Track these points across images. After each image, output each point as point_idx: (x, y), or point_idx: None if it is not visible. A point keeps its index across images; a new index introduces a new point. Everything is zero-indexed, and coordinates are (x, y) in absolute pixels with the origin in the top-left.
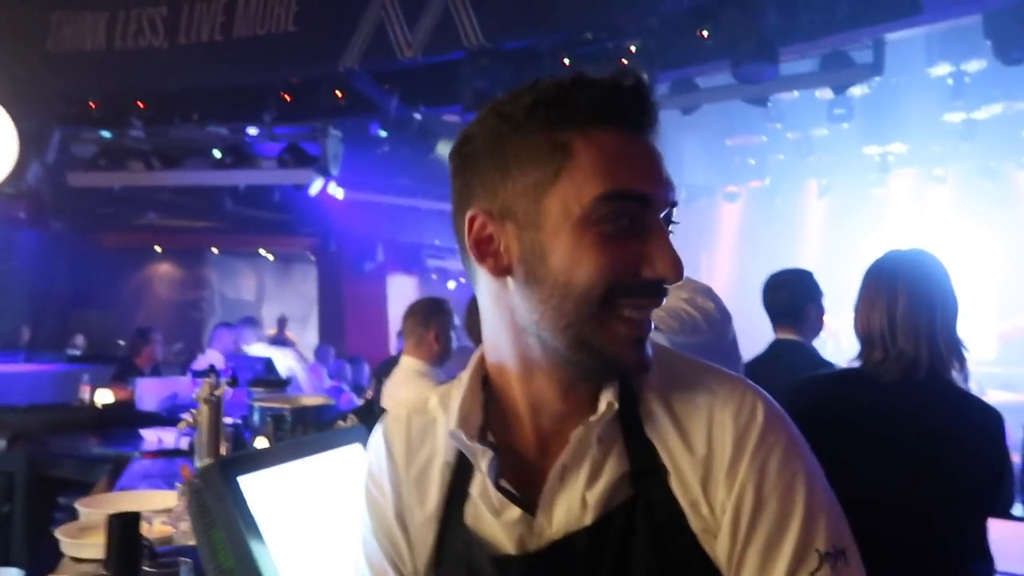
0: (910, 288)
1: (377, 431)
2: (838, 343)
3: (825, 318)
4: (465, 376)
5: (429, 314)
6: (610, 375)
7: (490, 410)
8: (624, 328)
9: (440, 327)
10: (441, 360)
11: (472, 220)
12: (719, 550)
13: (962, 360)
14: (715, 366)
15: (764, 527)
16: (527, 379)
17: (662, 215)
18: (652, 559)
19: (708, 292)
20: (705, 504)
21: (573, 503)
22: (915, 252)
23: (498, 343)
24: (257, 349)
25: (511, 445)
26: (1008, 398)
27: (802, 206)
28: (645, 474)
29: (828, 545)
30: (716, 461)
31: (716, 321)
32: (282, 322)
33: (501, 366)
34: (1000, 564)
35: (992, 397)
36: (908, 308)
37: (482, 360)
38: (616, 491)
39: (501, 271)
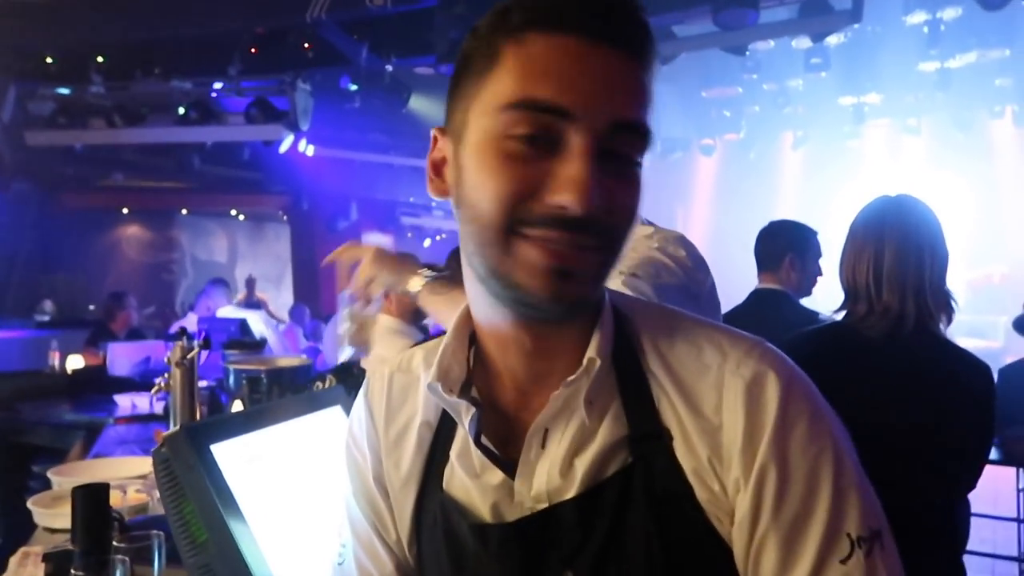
0: (898, 238)
1: (361, 390)
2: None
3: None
4: (450, 329)
5: None
6: (530, 310)
7: (477, 365)
8: (533, 253)
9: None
10: (416, 317)
11: (434, 139)
12: (735, 535)
13: (950, 313)
14: (727, 326)
15: (788, 511)
16: (491, 324)
17: (600, 140)
18: (651, 533)
19: (680, 240)
20: (715, 478)
21: (557, 470)
22: (904, 198)
23: (467, 286)
24: (226, 311)
25: (495, 404)
26: (976, 344)
27: (777, 158)
28: (646, 439)
29: (861, 528)
30: (728, 434)
31: (690, 269)
32: (251, 283)
33: (475, 313)
34: (975, 507)
35: (961, 344)
36: (895, 259)
37: (469, 311)
38: (610, 457)
39: (444, 194)
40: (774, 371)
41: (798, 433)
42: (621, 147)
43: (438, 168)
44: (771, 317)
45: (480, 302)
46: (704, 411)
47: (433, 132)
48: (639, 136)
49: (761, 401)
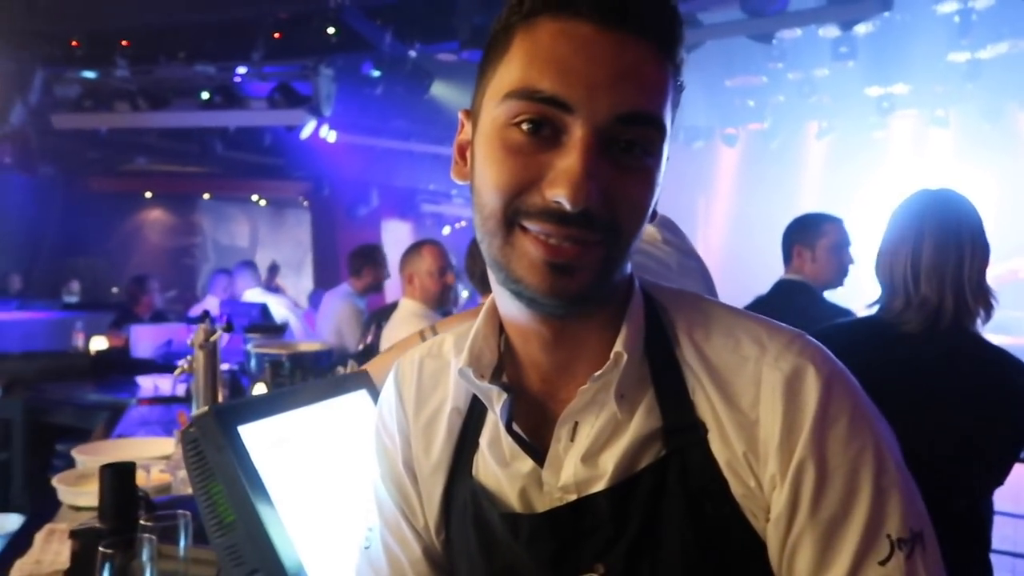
0: (938, 232)
1: (391, 374)
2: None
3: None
4: (481, 314)
5: (416, 253)
6: (532, 305)
7: (507, 351)
8: (530, 247)
9: (439, 270)
10: (440, 302)
11: (461, 122)
12: (770, 532)
13: (989, 309)
14: (766, 318)
15: (825, 510)
16: (510, 315)
17: (602, 132)
18: (686, 527)
19: (665, 223)
20: (750, 474)
21: (586, 462)
22: (945, 192)
23: (488, 274)
24: (253, 294)
25: (524, 391)
26: (1001, 340)
27: (801, 149)
28: (680, 431)
29: (902, 529)
30: (765, 429)
31: (674, 251)
32: (273, 270)
33: (497, 303)
34: (996, 505)
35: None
36: (935, 253)
37: None
38: (643, 450)
39: (466, 178)
40: (814, 365)
41: (838, 430)
42: (629, 139)
43: (463, 151)
44: (786, 307)
45: (499, 293)
46: (741, 405)
47: (460, 115)
48: (650, 128)
49: (800, 396)
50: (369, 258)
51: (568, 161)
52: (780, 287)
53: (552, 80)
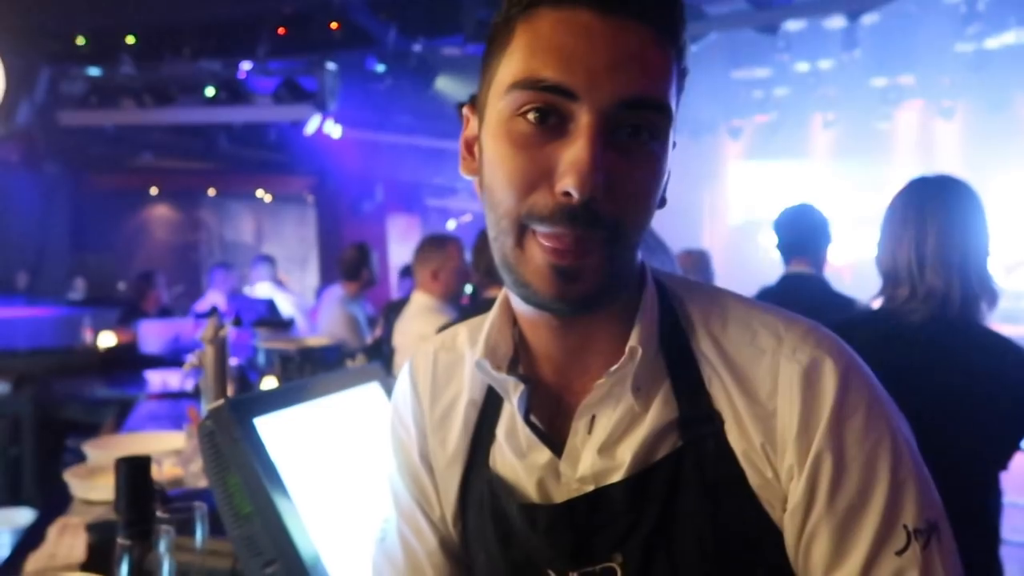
0: (941, 218)
1: (405, 367)
2: (840, 280)
3: (830, 256)
4: (495, 306)
5: (443, 250)
6: (541, 307)
7: (521, 344)
8: (538, 252)
9: (453, 263)
10: (454, 297)
11: (466, 118)
12: (787, 522)
13: (993, 297)
14: (782, 309)
15: (842, 501)
16: (522, 310)
17: (608, 119)
18: (703, 518)
19: None
20: (767, 464)
21: (604, 454)
22: (944, 177)
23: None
24: (263, 288)
25: (540, 382)
26: (1012, 331)
27: (807, 140)
28: (696, 422)
29: (918, 520)
30: (782, 420)
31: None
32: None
33: (510, 296)
34: (1007, 495)
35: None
36: (939, 240)
37: None
38: (660, 441)
39: (475, 173)
40: (832, 357)
41: (856, 422)
42: (635, 123)
43: (470, 146)
44: (794, 298)
45: (507, 286)
46: (758, 396)
47: (464, 110)
48: (655, 112)
49: (818, 388)
50: (364, 259)
51: (575, 150)
52: (788, 279)
53: (555, 68)
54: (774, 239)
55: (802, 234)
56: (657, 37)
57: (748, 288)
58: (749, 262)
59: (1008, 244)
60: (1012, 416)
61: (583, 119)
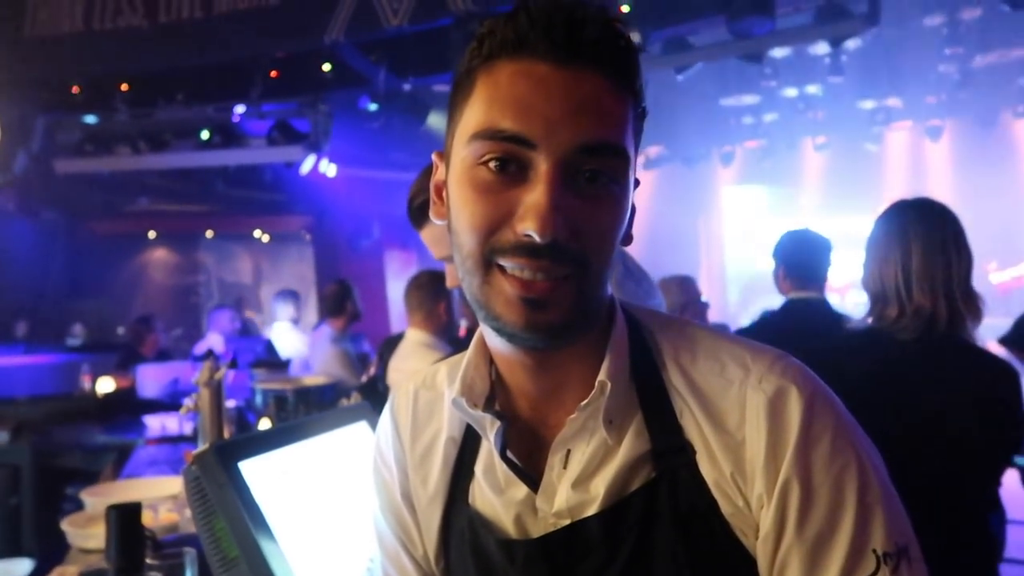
0: (923, 238)
1: (387, 406)
2: (837, 302)
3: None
4: (471, 345)
5: (437, 286)
6: (512, 340)
7: (498, 380)
8: (507, 285)
9: (448, 299)
10: (447, 332)
11: (435, 164)
12: (759, 550)
13: (978, 314)
14: (749, 340)
15: (811, 527)
16: (495, 347)
17: (566, 165)
18: (678, 548)
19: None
20: (738, 493)
21: (578, 487)
22: (923, 200)
23: None
24: (281, 328)
25: (516, 418)
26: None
27: (798, 164)
28: (669, 453)
29: (887, 543)
30: (750, 450)
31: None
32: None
33: (484, 334)
34: (1011, 513)
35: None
36: (923, 259)
37: None
38: (633, 472)
39: (444, 218)
40: (796, 386)
41: (821, 448)
42: (593, 168)
43: (440, 191)
44: (800, 324)
45: (483, 327)
46: (727, 426)
47: (433, 157)
48: (612, 156)
49: (783, 417)
50: (347, 293)
51: (535, 195)
52: (792, 304)
53: (513, 119)
54: (772, 264)
55: (805, 259)
56: (612, 84)
57: (747, 312)
58: (747, 287)
59: (1004, 260)
60: (1001, 430)
61: (542, 166)
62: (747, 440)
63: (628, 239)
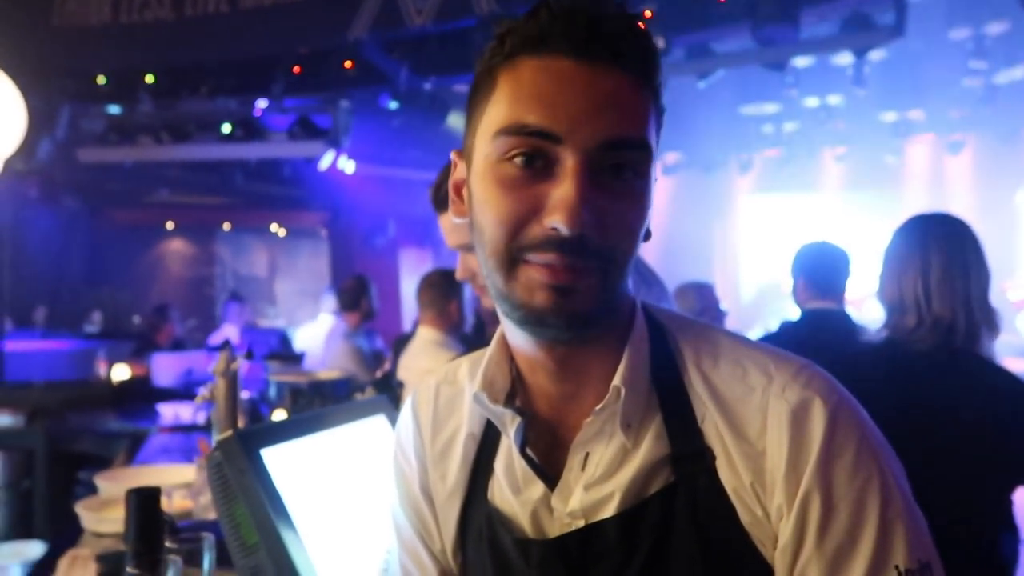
0: (945, 249)
1: (408, 400)
2: (856, 312)
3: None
4: (493, 341)
5: (449, 285)
6: (538, 328)
7: (518, 378)
8: (534, 275)
9: (460, 297)
10: (459, 331)
11: (454, 163)
12: (777, 561)
13: (995, 328)
14: (772, 347)
15: (831, 541)
16: (517, 345)
17: (592, 159)
18: (695, 554)
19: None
20: (757, 503)
21: (594, 489)
22: (943, 214)
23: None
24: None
25: (536, 416)
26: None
27: (817, 175)
28: (688, 458)
29: (910, 560)
30: (771, 460)
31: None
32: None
33: (505, 333)
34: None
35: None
36: (943, 271)
37: None
38: (652, 476)
39: (465, 215)
40: (820, 397)
41: (844, 462)
42: (618, 163)
43: (459, 190)
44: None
45: (506, 323)
46: (748, 435)
47: (452, 156)
48: (636, 151)
49: (806, 428)
50: (364, 290)
51: (562, 189)
52: (811, 315)
53: (538, 114)
54: (791, 276)
55: (824, 271)
56: (633, 79)
57: (762, 321)
58: (761, 296)
59: (1020, 277)
60: (1016, 445)
61: (568, 161)
62: (768, 450)
63: (648, 235)
